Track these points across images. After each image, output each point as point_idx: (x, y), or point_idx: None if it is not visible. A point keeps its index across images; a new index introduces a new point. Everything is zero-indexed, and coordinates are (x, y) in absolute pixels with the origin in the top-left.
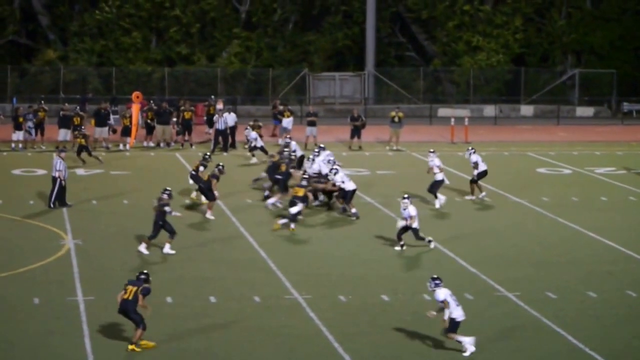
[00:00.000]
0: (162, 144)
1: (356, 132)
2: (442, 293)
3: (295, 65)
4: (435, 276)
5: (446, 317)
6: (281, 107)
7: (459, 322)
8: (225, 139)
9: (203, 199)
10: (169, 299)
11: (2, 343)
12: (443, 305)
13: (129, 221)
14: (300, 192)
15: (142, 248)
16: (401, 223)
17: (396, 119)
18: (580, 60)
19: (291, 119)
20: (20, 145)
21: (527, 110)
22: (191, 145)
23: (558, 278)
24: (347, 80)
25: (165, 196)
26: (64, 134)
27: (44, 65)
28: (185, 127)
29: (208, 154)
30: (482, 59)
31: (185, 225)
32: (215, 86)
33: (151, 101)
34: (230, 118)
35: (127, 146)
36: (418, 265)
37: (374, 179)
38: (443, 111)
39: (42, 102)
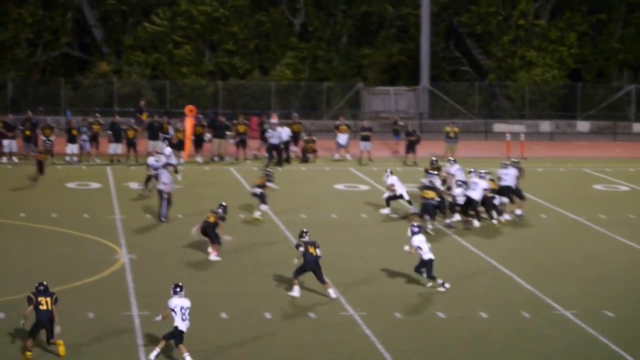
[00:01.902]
0: (216, 158)
1: (411, 147)
2: (417, 240)
3: (349, 79)
4: (415, 224)
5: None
6: (338, 122)
7: (426, 261)
8: (280, 154)
9: (257, 213)
10: (223, 315)
11: (56, 357)
12: (412, 250)
13: (183, 236)
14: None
15: (213, 256)
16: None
17: (451, 134)
18: (636, 76)
19: (347, 134)
20: (75, 158)
21: (583, 126)
22: (245, 159)
23: (615, 296)
24: (402, 94)
25: (220, 210)
26: (115, 148)
27: (98, 78)
28: (240, 141)
29: (270, 169)
30: (538, 74)
31: (240, 240)
32: (269, 100)
33: (200, 115)
34: (284, 132)
35: (181, 160)
36: (474, 283)
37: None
38: (498, 126)
39: (98, 115)
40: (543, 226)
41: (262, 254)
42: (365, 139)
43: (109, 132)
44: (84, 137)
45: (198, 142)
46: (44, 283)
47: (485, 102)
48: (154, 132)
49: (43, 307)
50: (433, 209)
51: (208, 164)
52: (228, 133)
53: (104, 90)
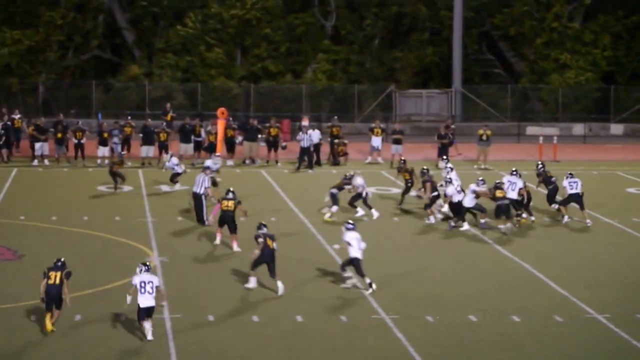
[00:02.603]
0: (247, 161)
1: (443, 150)
2: (349, 236)
3: (381, 82)
4: (350, 221)
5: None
6: (373, 125)
7: (352, 259)
8: (310, 157)
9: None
10: (255, 318)
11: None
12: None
13: (214, 238)
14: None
15: (235, 247)
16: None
17: (484, 137)
18: None
19: (380, 137)
20: (106, 161)
21: (617, 128)
22: (276, 162)
23: None
24: (434, 97)
25: (231, 195)
26: (147, 150)
27: (129, 80)
28: (272, 143)
29: (351, 173)
30: (571, 77)
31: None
32: (300, 102)
33: (231, 119)
34: (314, 135)
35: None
36: (506, 286)
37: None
38: (531, 129)
39: (129, 117)
40: (575, 229)
41: (293, 256)
42: (397, 142)
43: (141, 134)
44: (115, 139)
45: (230, 145)
46: (62, 259)
47: (518, 104)
48: (186, 135)
49: (51, 282)
50: (507, 208)
51: (240, 166)
52: (260, 136)
53: (135, 93)
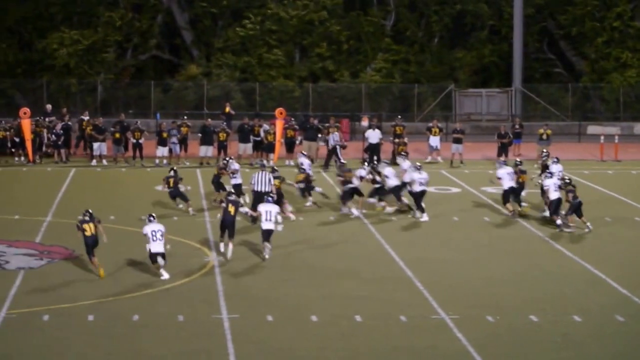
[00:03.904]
0: None
1: (503, 149)
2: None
3: (440, 81)
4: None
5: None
6: (431, 124)
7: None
8: (329, 156)
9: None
10: (314, 318)
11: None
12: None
13: (276, 240)
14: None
15: (292, 217)
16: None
17: (544, 136)
18: None
19: (438, 137)
20: (165, 161)
21: None
22: (336, 161)
23: None
24: (494, 96)
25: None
26: (205, 150)
27: (187, 80)
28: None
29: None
30: (632, 76)
31: (329, 242)
32: (359, 102)
33: (292, 118)
34: (374, 135)
35: (271, 162)
36: (566, 286)
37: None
38: (592, 128)
39: (185, 117)
40: (637, 229)
41: (352, 256)
42: (457, 141)
43: (199, 134)
44: (174, 139)
45: (289, 145)
46: (89, 211)
47: (579, 104)
48: (245, 135)
49: (87, 233)
50: (579, 205)
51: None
52: (319, 135)
53: (193, 92)
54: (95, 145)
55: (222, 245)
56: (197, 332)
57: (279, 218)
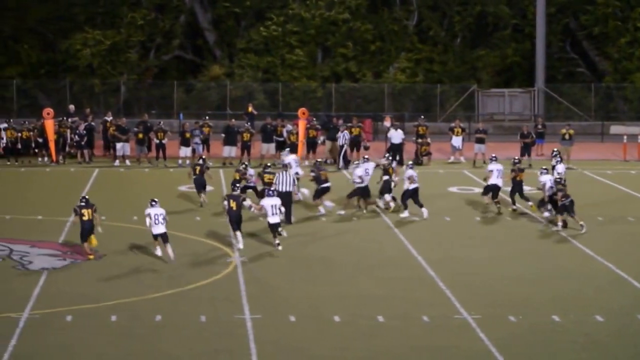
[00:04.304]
0: (328, 160)
1: (526, 149)
2: (265, 202)
3: (463, 81)
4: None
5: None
6: (453, 124)
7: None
8: (344, 155)
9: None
10: (336, 318)
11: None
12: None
13: (295, 237)
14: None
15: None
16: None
17: (567, 136)
18: None
19: (461, 137)
20: (188, 162)
21: None
22: (356, 161)
23: None
24: (517, 96)
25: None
26: (229, 151)
27: (210, 81)
28: (354, 143)
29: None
30: None
31: (350, 241)
32: (382, 102)
33: (314, 119)
34: (397, 135)
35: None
36: (589, 286)
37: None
38: (615, 128)
39: (207, 117)
40: None
41: (373, 255)
42: (480, 141)
43: (223, 134)
44: (197, 140)
45: (311, 144)
46: (86, 197)
47: (602, 103)
48: (268, 135)
49: (85, 218)
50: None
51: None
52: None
53: (216, 93)
54: (119, 145)
55: (239, 244)
56: (219, 332)
57: (305, 191)
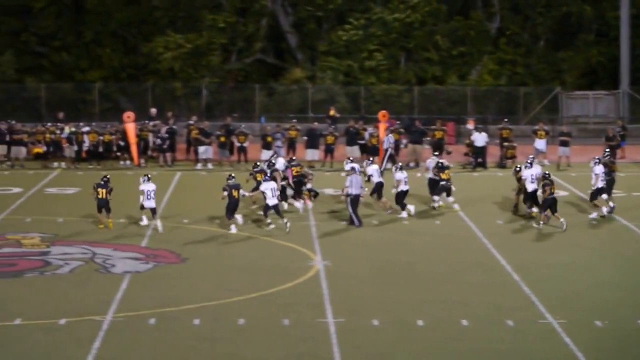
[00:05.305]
0: (411, 164)
1: (612, 152)
2: (264, 187)
3: (546, 83)
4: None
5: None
6: (536, 127)
7: (270, 206)
8: (384, 159)
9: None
10: (420, 322)
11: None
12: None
13: (377, 241)
14: None
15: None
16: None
17: None
18: None
19: (544, 140)
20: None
21: None
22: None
23: None
24: (601, 99)
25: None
26: (312, 154)
27: (292, 84)
28: (436, 146)
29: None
30: None
31: (433, 245)
32: (465, 105)
33: (397, 122)
34: (480, 138)
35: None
36: None
37: (629, 201)
38: None
39: (295, 120)
40: None
41: (456, 259)
42: (564, 144)
43: (305, 137)
44: (278, 143)
45: (394, 147)
46: (107, 177)
47: None
48: (351, 138)
49: (100, 196)
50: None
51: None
52: (425, 139)
53: (298, 96)
54: (202, 149)
55: (232, 227)
56: (302, 336)
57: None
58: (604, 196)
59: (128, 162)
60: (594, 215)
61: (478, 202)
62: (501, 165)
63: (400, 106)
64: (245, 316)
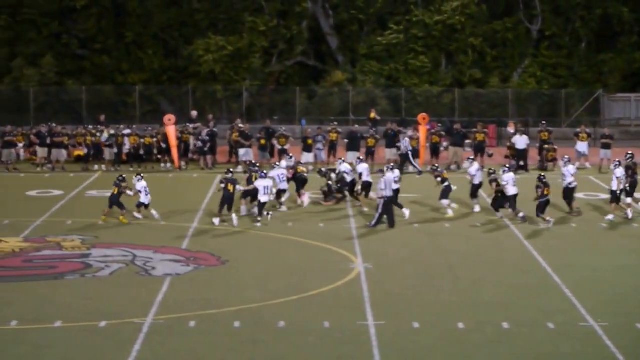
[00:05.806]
0: (452, 167)
1: None
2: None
3: (588, 86)
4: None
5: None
6: (578, 130)
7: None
8: (403, 163)
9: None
10: (460, 325)
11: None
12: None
13: (418, 243)
14: None
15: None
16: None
17: None
18: None
19: (586, 142)
20: (310, 167)
21: None
22: (482, 167)
23: None
24: None
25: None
26: (352, 156)
27: (332, 86)
28: (478, 149)
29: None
30: None
31: (473, 248)
32: (506, 108)
33: (440, 125)
34: (521, 140)
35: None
36: None
37: None
38: None
39: (336, 123)
40: None
41: (497, 262)
42: (606, 146)
43: (346, 140)
44: (319, 145)
45: (434, 150)
46: (123, 176)
47: None
48: (390, 140)
49: (114, 192)
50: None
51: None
52: (466, 141)
53: (338, 98)
54: (242, 151)
55: (216, 219)
56: (342, 338)
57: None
58: (628, 199)
59: (169, 164)
60: (610, 217)
61: (519, 204)
62: (542, 168)
63: (441, 108)
64: (286, 319)
